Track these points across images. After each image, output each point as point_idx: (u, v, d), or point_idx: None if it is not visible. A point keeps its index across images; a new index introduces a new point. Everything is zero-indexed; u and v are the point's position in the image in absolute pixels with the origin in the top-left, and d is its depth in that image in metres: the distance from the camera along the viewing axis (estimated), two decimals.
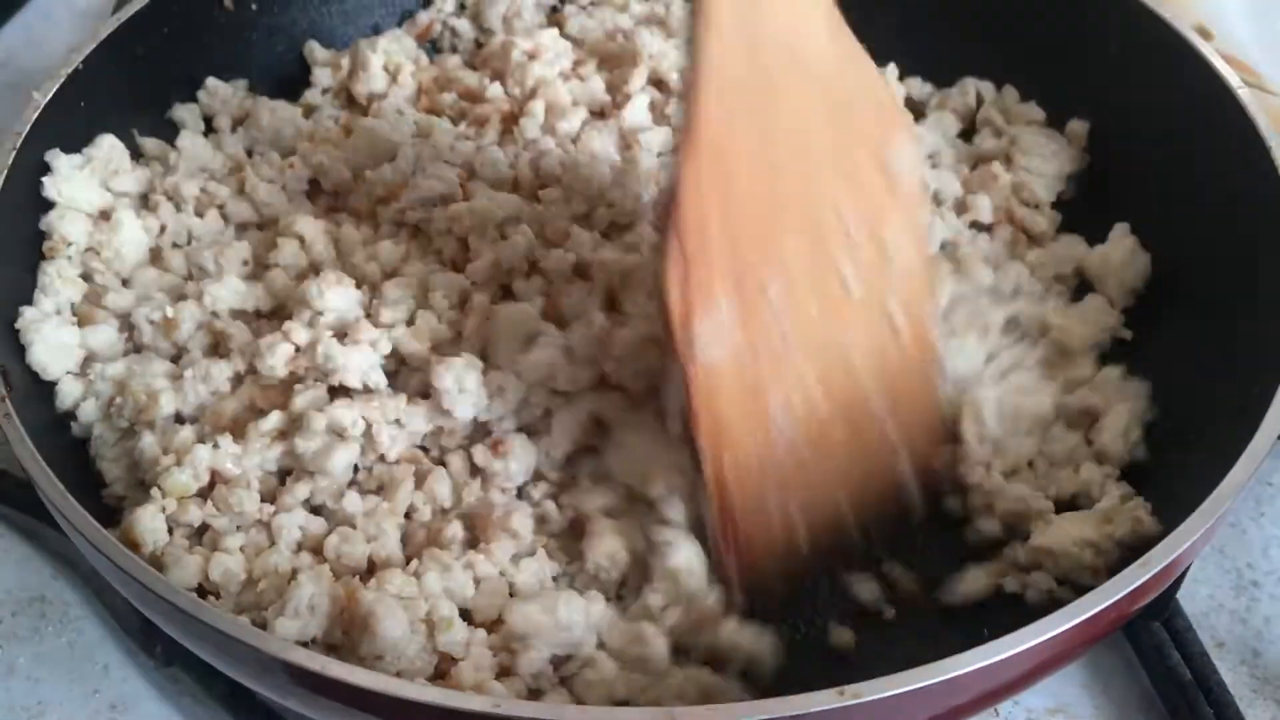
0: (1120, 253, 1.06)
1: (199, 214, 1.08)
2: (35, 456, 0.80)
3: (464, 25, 1.27)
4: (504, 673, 0.81)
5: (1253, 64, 1.26)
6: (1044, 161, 1.14)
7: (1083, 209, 1.14)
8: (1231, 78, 1.01)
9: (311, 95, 1.19)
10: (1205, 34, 1.28)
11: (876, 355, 0.82)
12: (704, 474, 0.78)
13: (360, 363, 0.91)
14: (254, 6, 1.19)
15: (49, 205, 1.03)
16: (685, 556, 0.83)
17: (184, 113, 1.16)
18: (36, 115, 1.00)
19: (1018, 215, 1.11)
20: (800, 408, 0.79)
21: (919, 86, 1.23)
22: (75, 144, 1.06)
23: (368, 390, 0.92)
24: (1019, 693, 0.87)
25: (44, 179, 1.02)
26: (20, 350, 0.94)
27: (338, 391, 0.93)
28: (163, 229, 1.07)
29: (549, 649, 0.80)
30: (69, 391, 0.95)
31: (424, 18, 1.27)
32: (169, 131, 1.15)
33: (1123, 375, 1.00)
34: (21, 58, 1.51)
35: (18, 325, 0.94)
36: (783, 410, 0.78)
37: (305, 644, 0.80)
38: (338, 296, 0.95)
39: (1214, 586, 1.02)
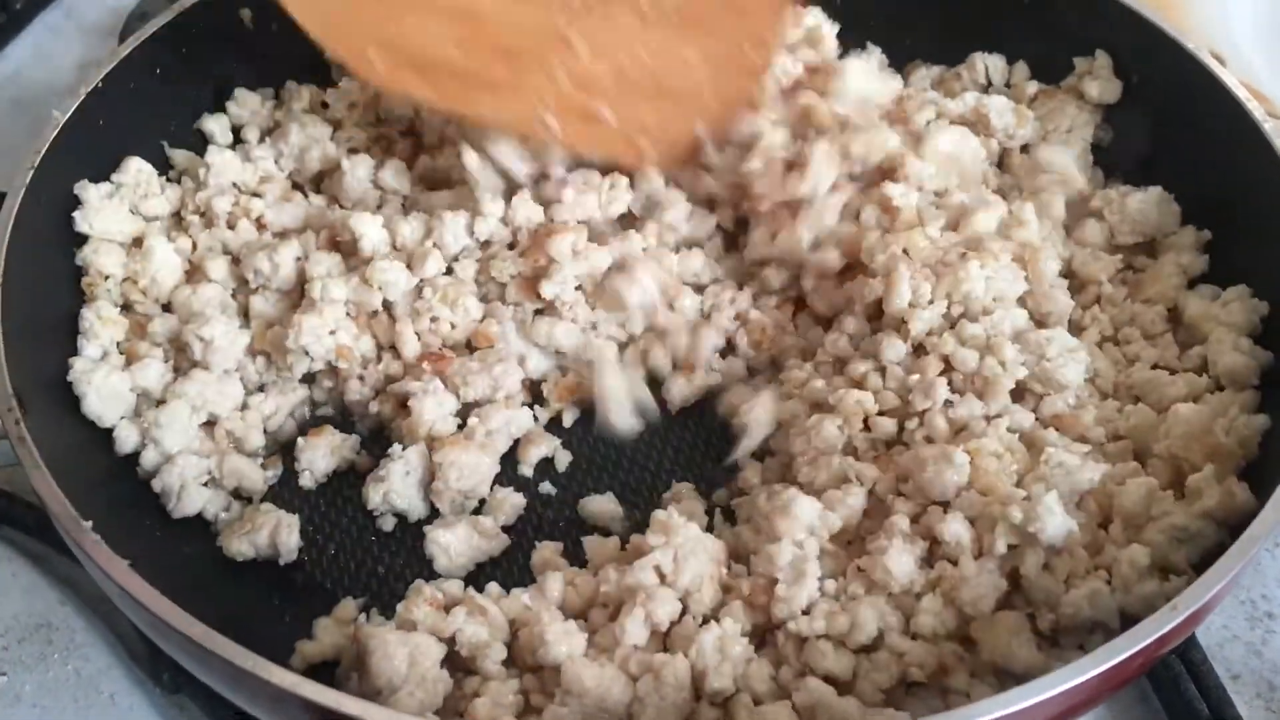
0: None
1: (230, 226, 1.08)
2: (49, 480, 0.79)
3: None
4: (525, 713, 0.80)
5: (1265, 90, 1.27)
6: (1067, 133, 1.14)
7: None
8: (1257, 109, 1.02)
9: (338, 110, 1.19)
10: (1218, 61, 1.28)
11: None
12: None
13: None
14: (274, 26, 1.18)
15: (77, 233, 1.03)
16: None
17: (213, 124, 1.16)
18: (55, 135, 1.00)
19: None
20: None
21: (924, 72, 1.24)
22: (97, 162, 1.06)
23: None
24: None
25: (75, 214, 1.02)
26: (49, 380, 0.95)
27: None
28: (194, 246, 1.07)
29: (581, 715, 0.78)
30: (127, 437, 0.96)
31: None
32: (197, 141, 1.15)
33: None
34: (29, 74, 1.51)
35: (69, 378, 0.96)
36: None
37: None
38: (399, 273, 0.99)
39: (1229, 618, 1.01)
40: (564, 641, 0.79)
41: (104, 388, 0.95)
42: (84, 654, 0.97)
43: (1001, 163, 1.14)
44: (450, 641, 0.80)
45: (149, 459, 0.96)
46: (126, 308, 1.04)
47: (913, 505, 0.88)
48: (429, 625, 0.80)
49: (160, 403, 0.98)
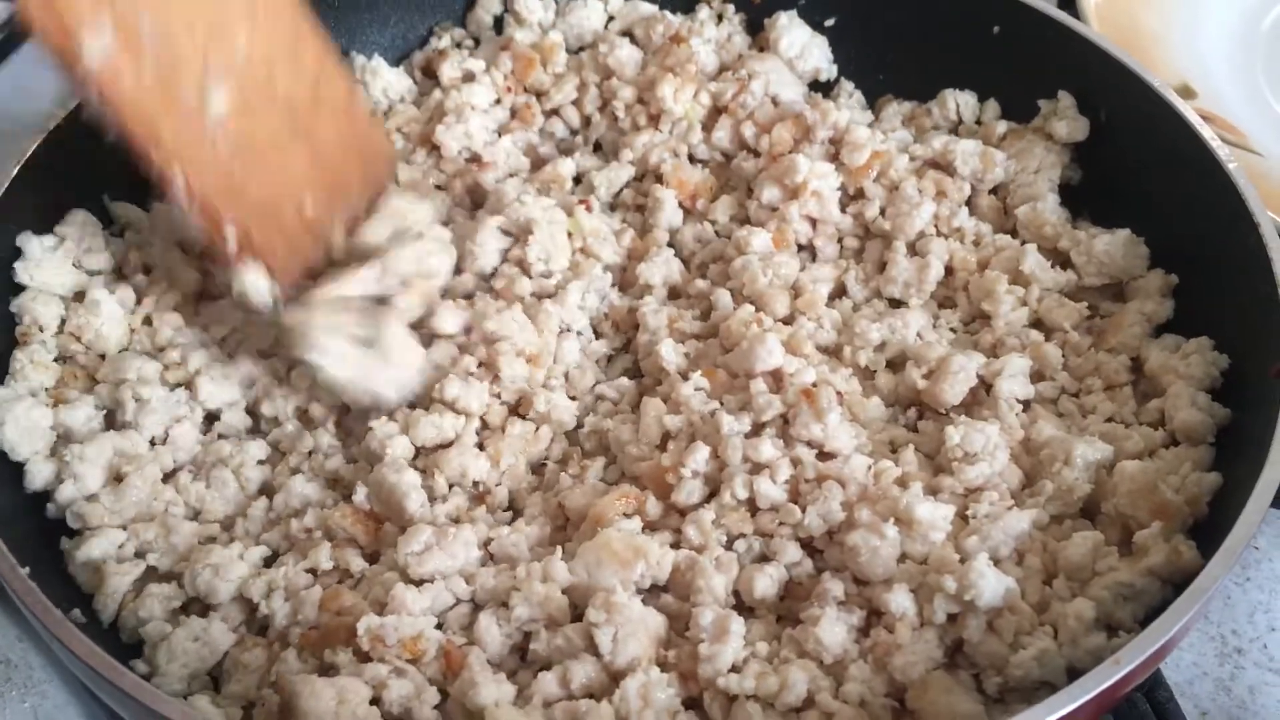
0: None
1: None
2: None
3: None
4: None
5: (1235, 122, 1.26)
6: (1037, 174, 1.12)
7: None
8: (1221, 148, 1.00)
9: None
10: (1189, 92, 1.28)
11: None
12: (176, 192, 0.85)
13: None
14: None
15: (17, 285, 1.03)
16: None
17: None
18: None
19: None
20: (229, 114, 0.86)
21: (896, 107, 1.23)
22: (41, 213, 1.05)
23: None
24: None
25: (16, 265, 1.02)
26: None
27: None
28: (139, 299, 1.06)
29: None
30: (38, 472, 0.94)
31: (419, 57, 1.28)
32: (141, 193, 1.13)
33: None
34: (10, 105, 1.51)
35: None
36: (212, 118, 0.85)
37: None
38: None
39: (1197, 654, 1.01)
40: (492, 689, 0.78)
41: (24, 420, 0.94)
42: (42, 690, 0.97)
43: (970, 203, 1.13)
44: (377, 700, 0.79)
45: (64, 493, 0.94)
46: (62, 359, 1.03)
47: (848, 582, 0.86)
48: (350, 671, 0.80)
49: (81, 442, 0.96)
